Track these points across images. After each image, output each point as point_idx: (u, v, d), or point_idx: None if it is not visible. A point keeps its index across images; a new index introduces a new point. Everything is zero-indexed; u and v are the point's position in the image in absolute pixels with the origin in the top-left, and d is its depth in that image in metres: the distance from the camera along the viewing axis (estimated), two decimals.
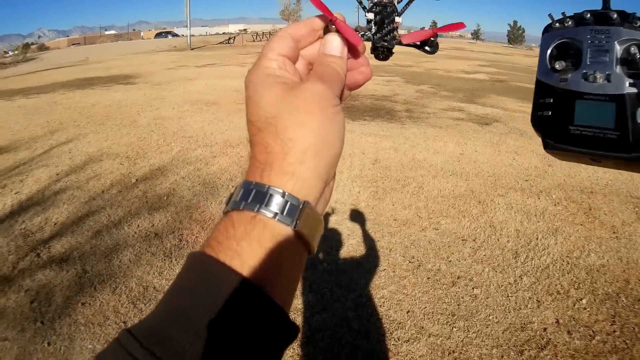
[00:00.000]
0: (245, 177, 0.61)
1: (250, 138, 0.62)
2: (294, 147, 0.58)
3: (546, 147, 0.82)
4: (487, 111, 13.44)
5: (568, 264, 5.07)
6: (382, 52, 0.79)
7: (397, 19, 0.79)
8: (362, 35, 0.77)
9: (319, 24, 0.73)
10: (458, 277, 4.74)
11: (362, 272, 4.80)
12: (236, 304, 0.52)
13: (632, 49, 0.74)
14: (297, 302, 4.27)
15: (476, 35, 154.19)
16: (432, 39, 0.81)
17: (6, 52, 74.52)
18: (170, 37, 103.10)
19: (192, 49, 43.18)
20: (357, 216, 5.99)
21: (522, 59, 46.24)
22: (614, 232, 5.85)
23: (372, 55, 0.80)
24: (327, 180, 0.63)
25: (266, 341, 0.54)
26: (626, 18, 0.76)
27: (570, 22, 0.83)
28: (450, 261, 5.02)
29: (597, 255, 5.28)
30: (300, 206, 0.57)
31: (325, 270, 4.78)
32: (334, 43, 0.71)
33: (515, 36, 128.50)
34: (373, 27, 0.79)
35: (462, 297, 4.42)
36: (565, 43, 0.83)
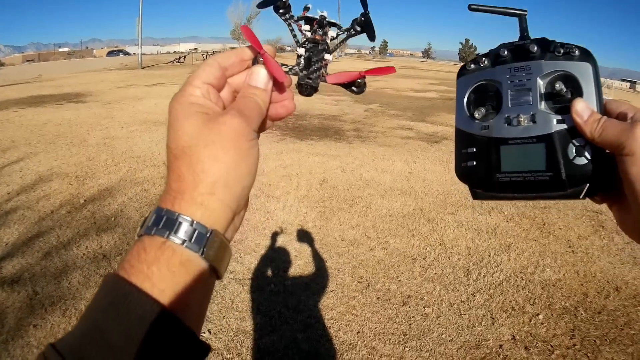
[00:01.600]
0: (159, 203, 0.63)
1: (167, 164, 0.66)
2: (205, 179, 0.61)
3: (475, 196, 0.82)
4: (436, 129, 13.61)
5: (522, 279, 5.10)
6: (306, 89, 0.79)
7: (327, 56, 0.80)
8: (290, 70, 0.78)
9: (248, 54, 0.75)
10: (408, 297, 4.73)
11: (310, 293, 4.77)
12: (146, 325, 0.54)
13: (557, 82, 0.73)
14: (246, 324, 4.24)
15: (427, 53, 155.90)
16: (359, 80, 0.82)
17: None
18: (122, 55, 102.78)
19: (143, 68, 43.02)
20: (304, 237, 5.96)
21: None
22: (570, 247, 5.91)
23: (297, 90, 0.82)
24: (236, 210, 0.67)
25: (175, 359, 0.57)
26: (547, 48, 0.76)
27: (486, 62, 0.84)
28: (400, 280, 5.01)
29: (553, 270, 5.32)
30: (208, 234, 0.61)
31: (272, 292, 4.74)
32: (260, 75, 0.74)
33: (467, 54, 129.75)
34: (302, 62, 0.79)
35: (414, 317, 4.41)
36: (483, 85, 0.84)
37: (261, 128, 0.74)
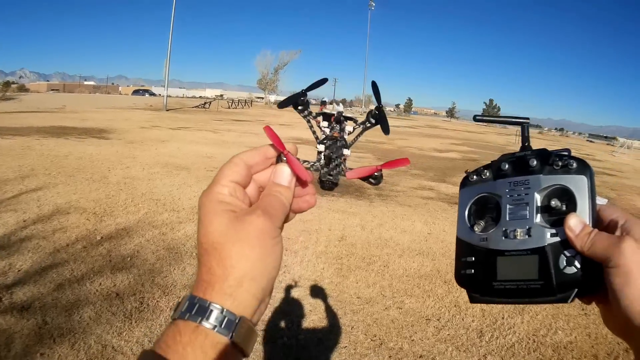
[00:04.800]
0: (192, 290, 0.69)
1: (198, 257, 0.71)
2: (233, 272, 0.67)
3: (472, 300, 0.86)
4: (457, 190, 13.37)
5: (534, 342, 5.08)
6: (327, 184, 0.87)
7: (345, 151, 0.87)
8: (311, 166, 0.85)
9: (272, 153, 0.80)
10: (420, 356, 4.69)
11: (323, 348, 4.74)
12: None
13: (553, 198, 0.78)
14: None
15: (451, 113, 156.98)
16: (376, 173, 0.85)
17: None
18: (147, 95, 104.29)
19: (168, 110, 43.73)
20: (320, 292, 5.95)
21: (495, 138, 47.17)
22: (583, 309, 5.90)
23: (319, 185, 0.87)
24: (262, 299, 0.71)
25: None
26: (546, 161, 0.80)
27: (487, 174, 0.90)
28: (413, 340, 4.97)
29: (565, 333, 5.31)
30: (237, 320, 0.66)
31: (285, 345, 4.71)
32: (284, 174, 0.79)
33: (490, 114, 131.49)
34: (322, 159, 0.86)
35: None
36: (484, 197, 0.89)
37: (284, 220, 0.78)
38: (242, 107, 68.32)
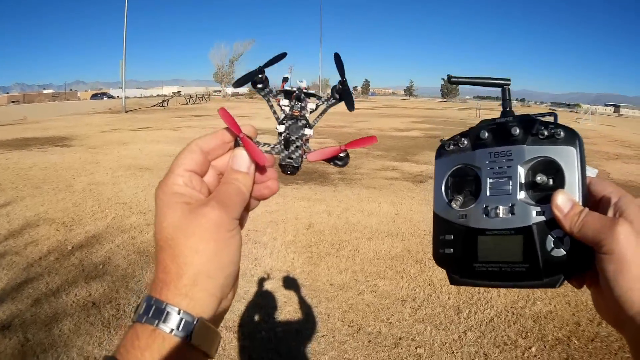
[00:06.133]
0: (149, 291, 0.67)
1: (155, 254, 0.68)
2: (187, 270, 0.65)
3: (452, 282, 0.81)
4: (421, 168, 13.72)
5: (513, 314, 5.12)
6: (288, 168, 0.80)
7: (307, 131, 0.80)
8: (272, 149, 0.79)
9: (229, 137, 0.76)
10: (400, 338, 4.71)
11: (301, 339, 4.74)
12: None
13: (538, 172, 0.72)
14: None
15: (409, 91, 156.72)
16: (341, 154, 0.81)
17: None
18: (105, 98, 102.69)
19: (127, 112, 43.13)
20: (292, 283, 5.94)
21: (455, 113, 47.16)
22: None
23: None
24: (222, 296, 0.69)
25: None
26: (530, 129, 0.75)
27: (465, 143, 0.83)
28: (390, 323, 5.00)
29: (544, 303, 5.34)
30: (195, 322, 0.64)
31: (263, 339, 4.71)
32: (242, 159, 0.75)
33: (449, 90, 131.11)
34: (282, 141, 0.79)
35: (406, 358, 4.39)
36: (462, 169, 0.83)
37: (246, 208, 0.75)
38: (200, 102, 67.67)
